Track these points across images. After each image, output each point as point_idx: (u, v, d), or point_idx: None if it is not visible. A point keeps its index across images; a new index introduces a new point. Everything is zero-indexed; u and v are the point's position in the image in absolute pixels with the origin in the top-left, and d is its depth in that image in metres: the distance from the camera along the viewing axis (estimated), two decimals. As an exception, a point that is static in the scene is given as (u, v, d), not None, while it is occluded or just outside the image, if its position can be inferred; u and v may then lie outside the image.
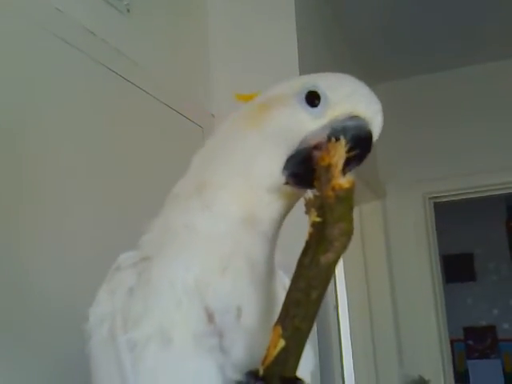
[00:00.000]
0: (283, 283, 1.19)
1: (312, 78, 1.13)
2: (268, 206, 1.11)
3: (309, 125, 1.09)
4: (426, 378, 4.88)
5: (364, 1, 4.32)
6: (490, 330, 8.53)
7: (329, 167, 1.00)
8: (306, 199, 1.03)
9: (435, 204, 5.47)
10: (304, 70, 3.29)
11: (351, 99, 1.10)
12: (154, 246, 1.15)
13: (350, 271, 4.91)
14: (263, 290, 1.11)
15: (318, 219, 0.99)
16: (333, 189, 0.97)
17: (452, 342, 6.53)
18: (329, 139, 1.06)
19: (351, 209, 0.98)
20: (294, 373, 1.01)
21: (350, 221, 0.98)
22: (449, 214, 6.69)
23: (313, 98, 1.10)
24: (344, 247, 0.98)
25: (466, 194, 5.42)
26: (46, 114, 2.08)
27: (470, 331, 8.55)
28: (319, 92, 1.10)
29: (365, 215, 5.20)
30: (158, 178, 2.51)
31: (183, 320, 1.07)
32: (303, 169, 1.07)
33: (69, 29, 2.21)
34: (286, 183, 1.09)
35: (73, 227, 2.10)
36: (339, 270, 4.74)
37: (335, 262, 0.99)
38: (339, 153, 0.99)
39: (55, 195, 2.06)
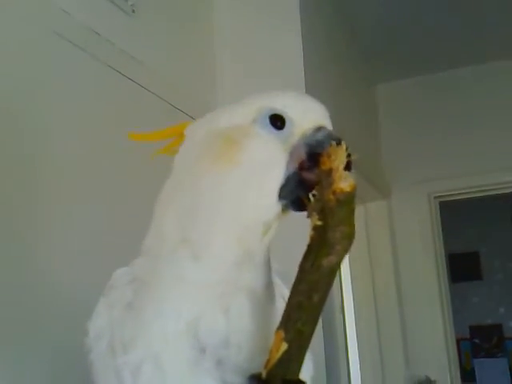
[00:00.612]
0: (282, 294, 1.19)
1: (265, 102, 1.12)
2: (264, 237, 1.10)
3: (284, 149, 1.08)
4: (433, 379, 4.88)
5: (367, 3, 4.33)
6: (497, 328, 8.52)
7: (330, 171, 1.00)
8: (308, 203, 1.04)
9: (441, 203, 5.47)
10: (308, 70, 3.29)
11: (309, 113, 1.12)
12: (146, 276, 1.15)
13: (355, 271, 4.91)
14: (264, 321, 1.10)
15: (319, 223, 0.99)
16: (334, 193, 0.97)
17: (458, 341, 6.52)
18: (308, 155, 1.07)
19: (352, 212, 0.99)
20: (297, 375, 1.01)
21: (352, 224, 0.98)
22: (454, 213, 6.69)
23: (276, 121, 1.09)
24: (345, 250, 0.98)
25: (471, 192, 5.42)
26: (51, 114, 2.08)
27: (476, 330, 8.54)
28: (281, 114, 1.10)
29: (370, 215, 5.20)
30: (163, 177, 2.52)
31: (174, 352, 1.08)
32: (299, 192, 1.06)
33: (74, 29, 2.22)
34: (283, 209, 1.09)
35: (82, 227, 2.11)
36: (345, 270, 4.74)
37: (337, 265, 0.99)
38: (340, 157, 0.99)
39: (63, 198, 2.07)
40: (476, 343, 8.54)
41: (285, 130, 1.09)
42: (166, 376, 1.08)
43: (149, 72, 2.64)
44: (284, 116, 1.10)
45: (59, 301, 1.95)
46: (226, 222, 1.08)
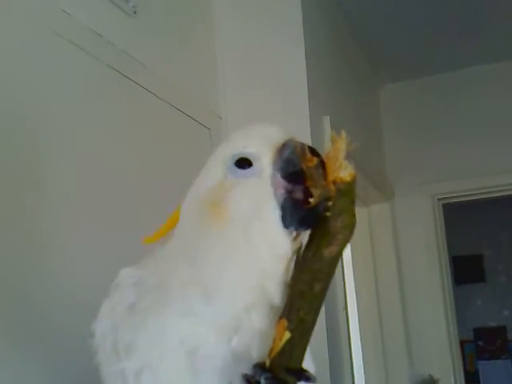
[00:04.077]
0: None
1: (224, 154, 1.13)
2: (286, 274, 1.09)
3: (264, 183, 1.08)
4: (436, 378, 4.88)
5: (370, 4, 4.34)
6: (500, 330, 8.51)
7: (318, 165, 1.01)
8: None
9: (445, 205, 5.46)
10: (311, 73, 3.30)
11: (265, 140, 1.11)
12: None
13: (359, 272, 4.90)
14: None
15: (328, 214, 0.99)
16: (334, 182, 0.97)
17: (462, 343, 6.51)
18: (285, 178, 1.07)
19: (353, 202, 0.99)
20: (300, 364, 1.03)
21: (352, 214, 0.99)
22: (458, 215, 6.69)
23: (243, 164, 1.10)
24: (347, 240, 0.99)
25: (474, 194, 5.41)
26: (52, 115, 2.09)
27: (480, 332, 8.53)
28: (244, 155, 1.10)
29: (374, 217, 5.19)
30: (166, 178, 2.54)
31: (170, 367, 1.11)
32: (299, 213, 1.05)
33: (76, 31, 2.22)
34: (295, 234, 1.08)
35: (87, 228, 2.12)
36: (348, 271, 4.73)
37: (338, 254, 1.00)
38: (340, 146, 1.00)
39: (68, 199, 2.08)
40: (480, 345, 8.53)
41: (254, 166, 1.10)
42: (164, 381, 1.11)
43: (150, 73, 2.65)
44: (247, 156, 1.10)
45: (64, 301, 1.96)
46: (240, 271, 1.08)
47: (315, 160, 1.01)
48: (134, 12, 2.59)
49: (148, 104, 2.62)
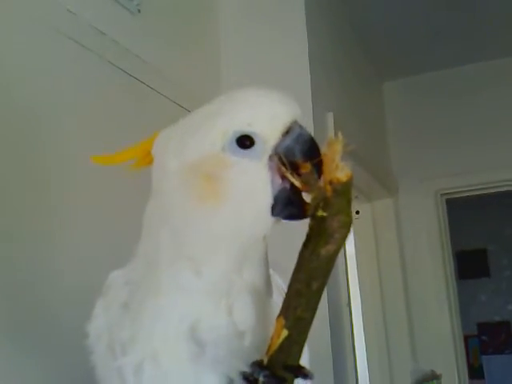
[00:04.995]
0: (276, 284, 1.22)
1: (228, 123, 1.08)
2: (261, 242, 1.14)
3: (262, 168, 1.07)
4: (438, 373, 4.88)
5: (376, 0, 4.34)
6: (505, 325, 8.51)
7: (312, 170, 1.02)
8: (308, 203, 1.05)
9: (448, 200, 5.46)
10: (314, 70, 3.31)
11: (273, 119, 1.08)
12: (142, 277, 1.18)
13: (362, 268, 4.91)
14: (265, 313, 1.12)
15: (325, 214, 1.00)
16: (331, 183, 0.99)
17: (466, 338, 6.51)
18: (282, 165, 1.05)
19: (349, 202, 1.00)
20: (298, 361, 1.04)
21: (349, 213, 1.00)
22: (462, 211, 6.69)
23: (245, 141, 1.07)
24: (344, 239, 1.00)
25: (478, 189, 5.40)
26: (56, 113, 2.10)
27: (484, 327, 8.53)
28: (247, 133, 1.07)
29: (377, 212, 5.20)
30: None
31: (173, 351, 1.12)
32: (290, 209, 1.07)
33: (80, 29, 2.24)
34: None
35: (88, 229, 2.13)
36: (352, 266, 4.74)
37: (335, 253, 1.01)
38: (336, 148, 1.01)
39: (70, 200, 2.10)
40: (484, 340, 8.53)
41: (256, 146, 1.07)
42: (166, 374, 1.12)
43: (154, 71, 2.66)
44: (250, 135, 1.07)
45: (63, 302, 1.98)
46: (223, 243, 1.09)
47: (309, 166, 1.02)
48: (138, 10, 2.60)
49: (152, 101, 2.62)
